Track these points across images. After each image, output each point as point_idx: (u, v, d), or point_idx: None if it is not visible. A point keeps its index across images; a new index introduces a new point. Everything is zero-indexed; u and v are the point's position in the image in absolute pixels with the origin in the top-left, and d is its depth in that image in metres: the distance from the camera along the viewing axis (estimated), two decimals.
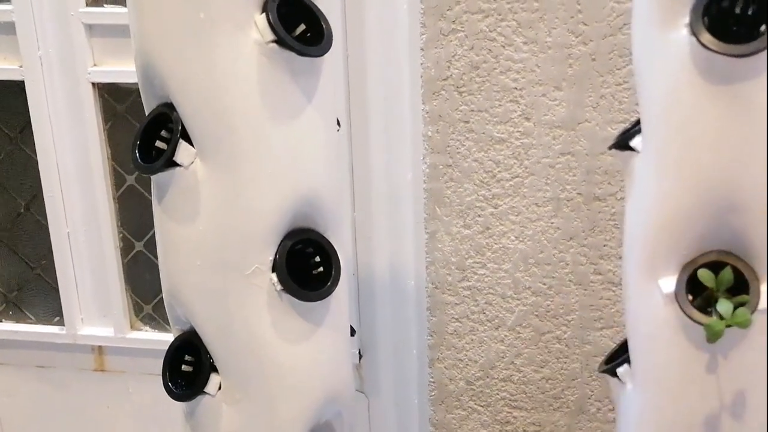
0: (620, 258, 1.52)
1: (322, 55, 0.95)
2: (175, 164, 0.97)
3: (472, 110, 1.51)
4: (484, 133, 1.52)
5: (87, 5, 1.66)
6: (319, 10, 0.96)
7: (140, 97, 1.05)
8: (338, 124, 1.06)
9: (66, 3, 1.64)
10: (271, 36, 0.92)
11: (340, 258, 1.03)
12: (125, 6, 1.63)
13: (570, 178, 1.52)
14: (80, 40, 1.66)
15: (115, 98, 1.73)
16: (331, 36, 0.96)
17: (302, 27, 0.97)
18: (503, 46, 1.47)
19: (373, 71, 1.53)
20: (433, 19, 1.47)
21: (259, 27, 0.92)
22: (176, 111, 0.97)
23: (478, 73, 1.49)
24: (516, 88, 1.49)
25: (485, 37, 1.47)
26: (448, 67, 1.50)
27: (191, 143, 0.97)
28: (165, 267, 1.04)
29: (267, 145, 0.96)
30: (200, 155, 0.97)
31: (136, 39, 0.97)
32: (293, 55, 0.93)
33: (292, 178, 0.98)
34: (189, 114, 0.95)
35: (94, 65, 1.69)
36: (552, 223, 1.55)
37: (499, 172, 1.54)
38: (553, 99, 1.48)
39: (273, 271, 0.99)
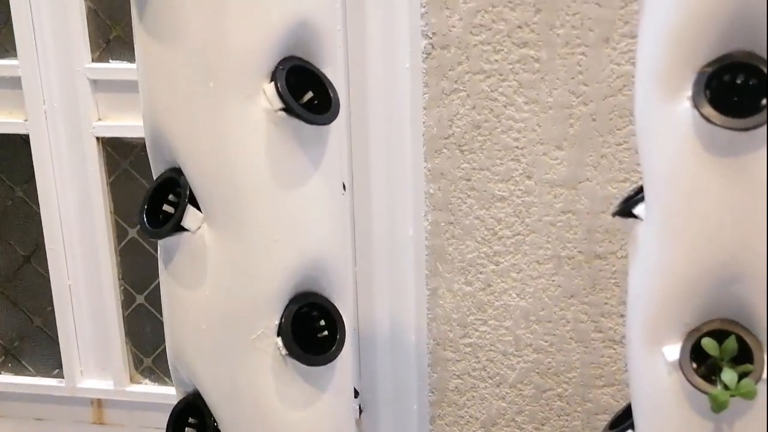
0: (621, 316, 1.53)
1: (329, 123, 0.96)
2: (183, 229, 0.98)
3: (474, 168, 1.52)
4: (485, 191, 1.53)
5: (93, 61, 1.68)
6: (326, 77, 0.97)
7: (143, 151, 1.05)
8: (344, 188, 1.07)
9: (72, 58, 1.66)
10: (279, 104, 0.93)
11: (345, 322, 1.04)
12: (131, 62, 1.66)
13: (571, 236, 1.53)
14: (85, 94, 1.68)
15: (118, 152, 1.74)
16: (339, 104, 0.97)
17: (310, 94, 0.98)
18: (505, 106, 1.49)
19: (375, 129, 1.55)
20: (436, 79, 1.49)
21: (267, 95, 0.93)
22: (184, 176, 0.98)
23: (479, 131, 1.51)
24: (517, 147, 1.50)
25: (487, 97, 1.49)
26: (450, 125, 1.51)
27: (199, 208, 0.98)
28: (170, 330, 1.04)
29: (274, 211, 0.96)
30: (207, 220, 0.98)
31: (146, 105, 0.98)
32: (301, 123, 0.94)
33: (298, 243, 0.98)
34: (197, 179, 0.96)
35: (99, 119, 1.70)
36: (553, 280, 1.55)
37: (501, 229, 1.55)
38: (554, 158, 1.50)
39: (278, 335, 0.99)
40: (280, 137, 0.95)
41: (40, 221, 1.76)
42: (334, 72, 0.99)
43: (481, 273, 1.57)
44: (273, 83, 0.93)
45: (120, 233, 1.78)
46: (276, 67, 0.94)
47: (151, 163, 1.03)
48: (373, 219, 1.60)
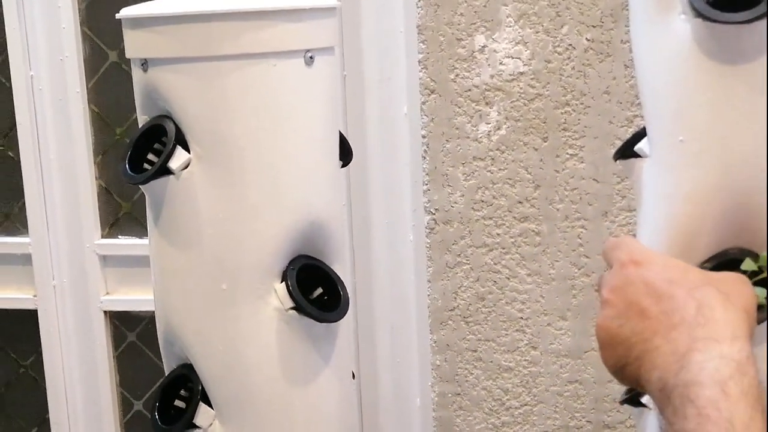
0: None
1: (339, 320, 0.98)
2: (195, 426, 0.98)
3: (480, 339, 1.54)
4: (491, 361, 1.54)
5: (102, 237, 1.71)
6: (336, 275, 1.00)
7: (150, 323, 1.06)
8: (353, 376, 1.08)
9: (82, 235, 1.70)
10: (290, 304, 0.95)
11: None
12: (140, 237, 1.69)
13: (579, 406, 1.52)
14: (94, 270, 1.71)
15: (126, 325, 1.76)
16: (348, 301, 0.99)
17: (319, 290, 1.01)
18: (508, 278, 1.51)
19: (380, 302, 1.57)
20: (439, 253, 1.52)
21: (279, 295, 0.95)
22: (196, 373, 0.99)
23: (484, 303, 1.53)
24: (522, 318, 1.52)
25: (490, 270, 1.51)
26: (455, 298, 1.53)
27: (210, 405, 0.98)
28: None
29: (286, 408, 0.97)
30: (219, 417, 0.98)
31: (159, 306, 1.00)
32: (312, 320, 0.96)
33: None
34: (209, 378, 0.97)
35: (107, 294, 1.72)
36: None
37: (508, 400, 1.55)
38: (559, 328, 1.51)
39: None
40: (291, 336, 0.96)
41: (46, 395, 1.76)
42: (343, 268, 1.02)
43: None
44: (284, 283, 0.95)
45: (125, 406, 1.78)
46: (287, 267, 0.96)
47: (163, 359, 1.04)
48: (380, 390, 1.60)
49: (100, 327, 1.73)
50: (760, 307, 0.80)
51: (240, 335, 0.96)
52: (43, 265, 1.71)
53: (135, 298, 1.71)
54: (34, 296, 1.73)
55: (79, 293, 1.72)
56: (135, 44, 0.95)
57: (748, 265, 0.84)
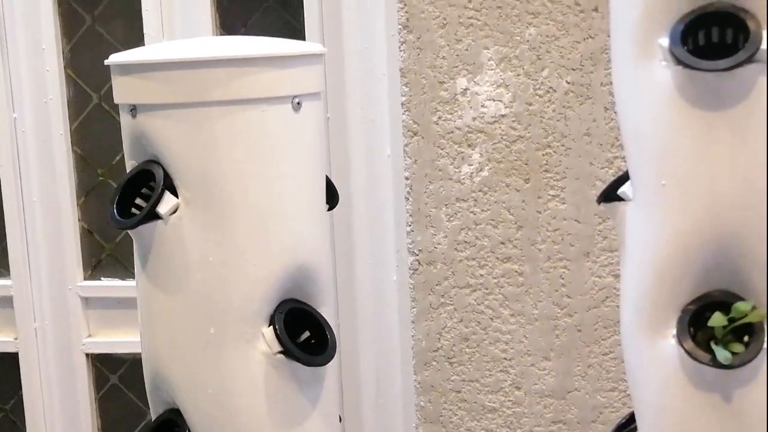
0: None
1: (326, 363, 0.98)
2: None
3: (464, 380, 1.54)
4: (476, 402, 1.54)
5: (84, 279, 1.71)
6: (324, 319, 1.00)
7: (133, 365, 1.06)
8: (339, 419, 1.08)
9: (64, 277, 1.69)
10: (278, 348, 0.95)
11: None
12: (122, 279, 1.69)
13: None
14: (76, 312, 1.70)
15: (107, 368, 1.75)
16: (335, 345, 0.99)
17: (306, 333, 1.01)
18: (491, 319, 1.52)
19: (364, 343, 1.57)
20: (423, 294, 1.53)
21: (266, 339, 0.96)
22: (183, 417, 0.98)
23: (468, 344, 1.53)
24: (505, 359, 1.52)
25: (474, 310, 1.52)
26: (439, 338, 1.54)
27: None
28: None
29: None
30: None
31: (146, 350, 1.00)
32: (299, 364, 0.96)
33: None
34: (196, 422, 0.97)
35: (89, 336, 1.71)
36: None
37: None
38: (542, 369, 1.52)
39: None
40: (279, 380, 0.96)
41: None
42: (329, 311, 1.02)
43: None
44: (272, 327, 0.96)
45: None
46: (274, 311, 0.97)
47: (150, 403, 1.04)
48: (364, 430, 1.60)
49: (82, 369, 1.72)
50: (735, 354, 0.84)
51: (228, 379, 0.96)
52: (24, 307, 1.70)
53: (117, 340, 1.70)
54: (15, 339, 1.72)
55: (60, 336, 1.71)
56: (124, 90, 0.95)
57: (717, 321, 0.87)
